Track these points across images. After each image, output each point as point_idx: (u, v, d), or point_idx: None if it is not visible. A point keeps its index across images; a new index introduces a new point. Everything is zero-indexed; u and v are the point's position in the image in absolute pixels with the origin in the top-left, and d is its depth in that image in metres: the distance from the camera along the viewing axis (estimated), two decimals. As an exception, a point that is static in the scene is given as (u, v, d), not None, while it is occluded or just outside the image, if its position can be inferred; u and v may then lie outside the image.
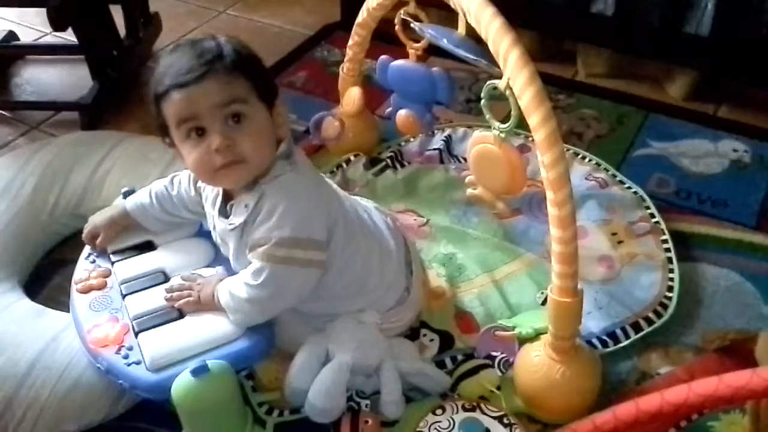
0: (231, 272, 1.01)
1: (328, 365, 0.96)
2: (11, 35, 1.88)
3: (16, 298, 1.11)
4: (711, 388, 0.73)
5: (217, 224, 0.99)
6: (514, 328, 1.03)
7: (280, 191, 0.91)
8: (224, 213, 0.97)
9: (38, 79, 1.81)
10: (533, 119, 0.85)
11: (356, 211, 1.05)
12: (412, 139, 1.48)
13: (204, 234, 1.12)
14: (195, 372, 0.87)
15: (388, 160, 1.42)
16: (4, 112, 1.69)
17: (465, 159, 1.40)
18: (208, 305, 0.97)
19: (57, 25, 1.49)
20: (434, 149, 1.45)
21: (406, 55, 1.28)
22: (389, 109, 1.34)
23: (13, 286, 1.15)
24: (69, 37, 1.67)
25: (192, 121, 0.88)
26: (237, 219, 0.93)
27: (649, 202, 1.32)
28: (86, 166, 1.32)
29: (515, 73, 0.86)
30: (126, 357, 0.94)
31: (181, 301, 0.98)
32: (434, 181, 1.40)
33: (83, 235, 1.12)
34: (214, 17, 2.09)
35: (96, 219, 1.11)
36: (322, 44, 1.88)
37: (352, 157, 1.42)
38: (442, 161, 1.43)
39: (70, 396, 0.97)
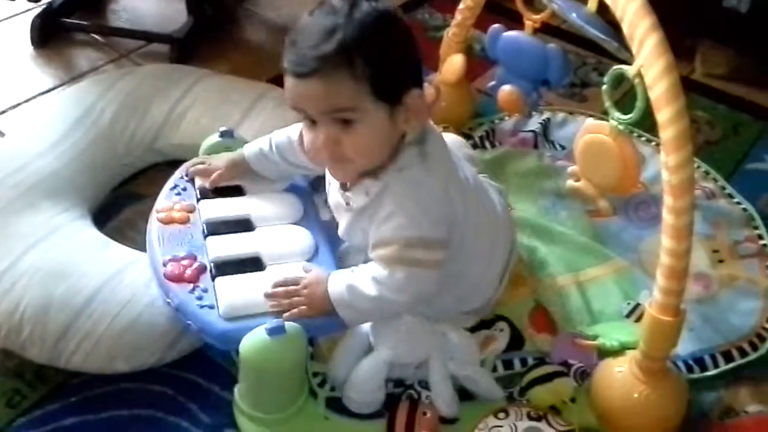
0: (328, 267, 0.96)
1: (366, 359, 0.92)
2: (113, -40, 1.88)
3: (84, 227, 1.10)
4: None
5: (332, 193, 0.96)
6: (596, 337, 0.98)
7: (405, 187, 0.86)
8: (343, 186, 0.92)
9: (134, 8, 1.80)
10: (663, 114, 0.78)
11: (481, 208, 0.99)
12: (507, 118, 1.40)
13: (295, 191, 1.09)
14: (271, 331, 0.85)
15: (478, 139, 1.36)
16: (97, 37, 1.69)
17: (562, 146, 1.34)
18: (321, 308, 0.90)
19: (160, -45, 1.47)
20: (529, 131, 1.37)
21: (515, 29, 1.22)
22: (492, 83, 1.29)
23: (82, 214, 1.13)
24: (169, -32, 1.66)
25: (302, 112, 0.86)
26: (356, 201, 0.90)
27: (758, 221, 1.23)
28: (166, 100, 1.30)
29: (650, 61, 0.80)
30: (200, 298, 0.91)
31: (295, 310, 0.89)
32: (525, 167, 1.32)
33: (191, 169, 1.08)
34: (316, -35, 2.04)
35: (213, 159, 1.09)
36: (424, 6, 1.81)
37: (440, 130, 1.36)
38: (536, 146, 1.35)
39: (127, 333, 0.95)
